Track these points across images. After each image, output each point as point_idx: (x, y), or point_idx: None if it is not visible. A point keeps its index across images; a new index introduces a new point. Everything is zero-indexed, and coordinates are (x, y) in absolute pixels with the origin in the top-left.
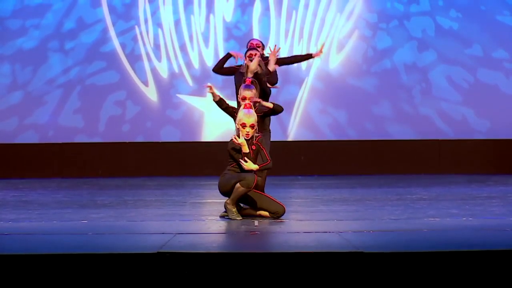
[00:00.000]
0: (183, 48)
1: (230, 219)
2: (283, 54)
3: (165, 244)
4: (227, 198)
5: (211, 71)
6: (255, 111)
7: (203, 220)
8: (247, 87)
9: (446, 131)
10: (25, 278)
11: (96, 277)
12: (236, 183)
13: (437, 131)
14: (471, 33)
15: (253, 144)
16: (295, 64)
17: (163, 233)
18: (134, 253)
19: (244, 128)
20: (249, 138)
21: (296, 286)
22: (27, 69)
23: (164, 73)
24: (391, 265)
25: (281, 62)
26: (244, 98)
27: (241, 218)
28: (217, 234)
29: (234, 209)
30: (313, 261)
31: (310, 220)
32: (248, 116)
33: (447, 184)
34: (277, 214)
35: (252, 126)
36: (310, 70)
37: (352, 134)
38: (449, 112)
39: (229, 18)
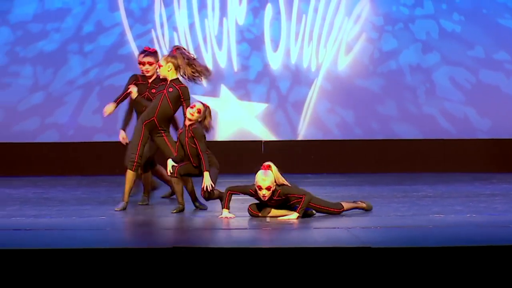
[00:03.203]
0: (197, 50)
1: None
2: (294, 56)
3: (180, 239)
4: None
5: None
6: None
7: (217, 216)
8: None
9: (449, 130)
10: (46, 271)
11: (114, 271)
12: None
13: (441, 130)
14: (473, 35)
15: (273, 200)
16: (305, 66)
17: (178, 229)
18: (150, 248)
19: (260, 191)
20: (266, 199)
21: (306, 280)
22: (48, 71)
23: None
24: (398, 259)
25: None
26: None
27: (200, 207)
28: (230, 230)
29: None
30: (323, 256)
31: (320, 216)
32: (264, 179)
33: (451, 182)
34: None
35: (268, 189)
36: (319, 72)
37: (359, 133)
38: (452, 111)
39: (241, 21)
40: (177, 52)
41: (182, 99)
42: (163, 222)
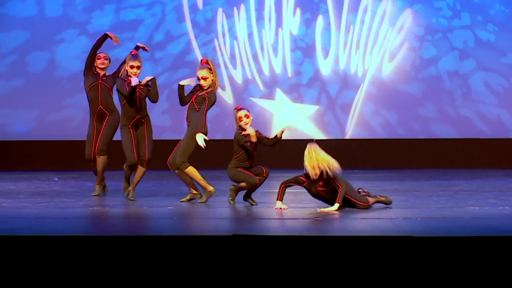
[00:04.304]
0: (255, 57)
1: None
2: (342, 63)
3: (239, 227)
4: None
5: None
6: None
7: (272, 207)
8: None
9: (484, 130)
10: (118, 257)
11: (179, 256)
12: (242, 181)
13: (476, 130)
14: (506, 44)
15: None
16: (352, 72)
17: (237, 218)
18: (212, 235)
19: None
20: (317, 178)
21: (353, 265)
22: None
23: (239, 79)
24: (437, 247)
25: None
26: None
27: (233, 203)
28: (284, 220)
29: (232, 195)
30: (369, 243)
31: (366, 208)
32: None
33: (485, 177)
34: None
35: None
36: (365, 77)
37: (401, 133)
38: (487, 113)
39: (295, 31)
40: (212, 64)
41: (207, 101)
42: (224, 212)
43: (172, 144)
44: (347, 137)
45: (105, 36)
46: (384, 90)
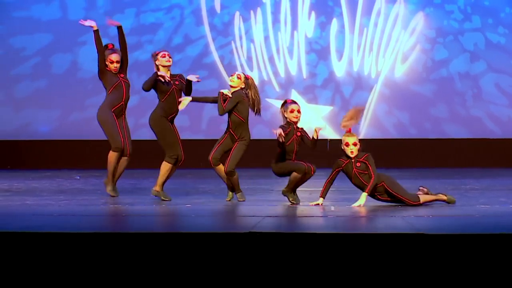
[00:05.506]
0: (271, 59)
1: (292, 203)
2: (356, 65)
3: (255, 225)
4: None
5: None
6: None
7: (287, 205)
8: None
9: (494, 131)
10: (138, 253)
11: (197, 253)
12: (291, 171)
13: (487, 130)
14: None
15: (358, 162)
16: (366, 73)
17: (253, 216)
18: (229, 233)
19: (347, 147)
20: (354, 155)
21: (365, 263)
22: (142, 77)
23: (255, 80)
24: (448, 245)
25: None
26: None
27: (296, 202)
28: (299, 218)
29: (291, 196)
30: (381, 241)
31: (378, 205)
32: (349, 136)
33: (496, 176)
34: None
35: (354, 144)
36: (378, 78)
37: (413, 133)
38: (497, 114)
39: (310, 34)
40: (250, 79)
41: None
42: (240, 210)
43: (190, 143)
44: (361, 137)
45: (95, 32)
46: (396, 91)
